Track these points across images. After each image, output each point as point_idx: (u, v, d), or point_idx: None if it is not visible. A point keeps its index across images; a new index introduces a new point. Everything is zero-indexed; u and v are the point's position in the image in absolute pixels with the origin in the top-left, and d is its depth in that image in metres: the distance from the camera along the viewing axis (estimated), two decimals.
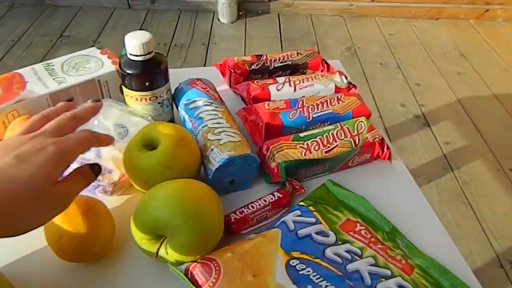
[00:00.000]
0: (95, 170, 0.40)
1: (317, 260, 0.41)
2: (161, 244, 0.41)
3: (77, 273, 0.43)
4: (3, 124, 0.53)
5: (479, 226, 1.24)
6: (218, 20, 2.30)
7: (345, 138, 0.55)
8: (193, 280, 0.39)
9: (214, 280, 0.38)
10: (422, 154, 1.49)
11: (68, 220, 0.41)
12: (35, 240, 0.43)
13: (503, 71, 1.97)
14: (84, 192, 0.49)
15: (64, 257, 0.42)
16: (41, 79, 0.57)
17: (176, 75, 0.62)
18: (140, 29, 2.18)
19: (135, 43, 0.52)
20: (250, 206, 0.49)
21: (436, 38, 2.21)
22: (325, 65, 0.73)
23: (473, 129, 1.62)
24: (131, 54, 0.53)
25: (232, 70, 0.69)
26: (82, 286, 0.42)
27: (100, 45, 1.96)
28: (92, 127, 0.53)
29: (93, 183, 0.49)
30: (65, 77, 0.58)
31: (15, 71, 0.59)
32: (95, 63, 0.61)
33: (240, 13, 2.36)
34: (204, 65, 1.90)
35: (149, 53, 0.53)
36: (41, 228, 0.42)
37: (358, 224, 0.47)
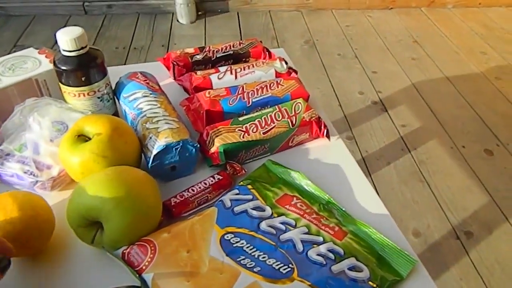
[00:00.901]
0: (1, 265, 0.35)
1: (252, 233, 0.43)
2: (97, 231, 0.42)
3: (18, 267, 0.43)
4: None
5: (435, 201, 1.30)
6: (177, 21, 2.30)
7: (283, 119, 0.57)
8: (129, 262, 0.40)
9: (149, 260, 0.39)
10: (380, 138, 1.54)
11: (3, 215, 0.41)
12: None
13: (454, 54, 2.05)
14: (22, 189, 0.50)
15: None
16: None
17: (122, 72, 0.62)
18: (97, 34, 2.16)
19: (67, 38, 0.52)
20: (190, 190, 0.50)
21: (390, 27, 2.28)
22: (267, 53, 0.75)
23: (428, 110, 1.69)
24: (64, 50, 0.53)
25: (174, 63, 0.70)
26: (23, 279, 0.43)
27: None
28: (27, 125, 0.53)
29: (31, 180, 0.49)
30: (0, 79, 0.58)
31: None
32: (33, 63, 0.61)
33: (199, 13, 2.37)
34: None
35: (82, 48, 0.53)
36: None
37: (294, 198, 0.49)
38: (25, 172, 0.49)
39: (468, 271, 1.11)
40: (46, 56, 0.63)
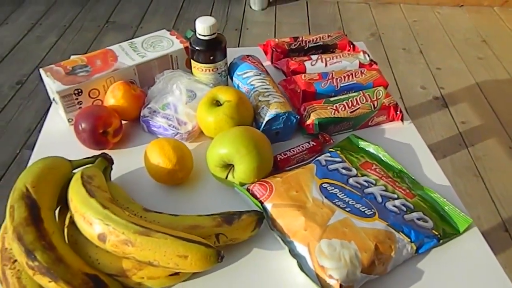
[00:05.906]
0: None
1: (343, 185, 0.56)
2: (229, 171, 0.57)
3: (166, 191, 0.60)
4: (103, 88, 0.70)
5: (488, 195, 1.36)
6: (250, 7, 2.44)
7: (366, 102, 0.70)
8: (253, 195, 0.55)
9: (268, 194, 0.54)
10: (439, 132, 1.61)
11: (163, 153, 0.58)
12: (137, 169, 0.60)
13: None
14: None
15: (158, 179, 0.59)
16: (127, 54, 0.74)
17: (229, 53, 0.77)
18: (177, 15, 2.35)
19: (204, 26, 0.67)
20: (291, 150, 0.64)
21: (459, 25, 2.29)
22: (351, 46, 0.86)
23: (490, 110, 1.72)
24: (200, 34, 0.68)
25: (274, 49, 0.84)
26: (169, 201, 0.59)
27: (142, 30, 2.13)
28: (171, 90, 0.69)
29: (172, 131, 0.65)
30: (145, 53, 0.74)
31: (107, 47, 0.76)
32: (167, 42, 0.77)
33: (270, 0, 2.49)
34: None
35: (213, 33, 0.69)
36: (142, 158, 0.59)
37: (374, 165, 0.62)
38: (169, 125, 0.66)
39: None
40: (176, 37, 0.79)
